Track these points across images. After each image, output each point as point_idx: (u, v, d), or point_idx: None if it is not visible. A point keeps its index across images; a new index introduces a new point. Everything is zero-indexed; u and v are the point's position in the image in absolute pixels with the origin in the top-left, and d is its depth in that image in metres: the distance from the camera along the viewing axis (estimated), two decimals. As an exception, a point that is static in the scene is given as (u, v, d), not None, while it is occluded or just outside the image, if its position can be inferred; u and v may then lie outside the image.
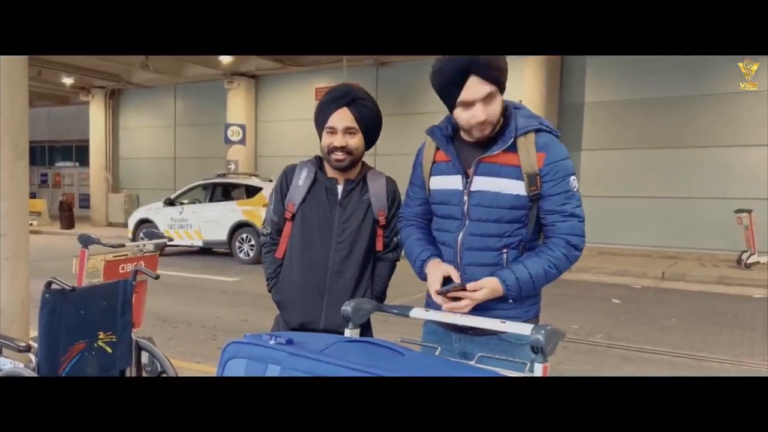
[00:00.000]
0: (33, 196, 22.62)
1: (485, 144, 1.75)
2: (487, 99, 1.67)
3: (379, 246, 2.15)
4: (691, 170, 11.56)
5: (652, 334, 5.95)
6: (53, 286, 2.27)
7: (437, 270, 1.76)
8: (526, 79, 11.72)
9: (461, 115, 1.72)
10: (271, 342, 1.24)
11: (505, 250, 1.75)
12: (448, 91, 1.71)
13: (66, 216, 17.37)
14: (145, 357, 3.19)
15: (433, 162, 1.86)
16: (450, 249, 1.80)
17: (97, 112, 19.13)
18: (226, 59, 15.08)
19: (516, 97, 1.99)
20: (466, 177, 1.76)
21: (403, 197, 2.07)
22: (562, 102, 12.54)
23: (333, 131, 2.04)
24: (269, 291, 2.20)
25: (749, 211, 10.14)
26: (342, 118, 2.04)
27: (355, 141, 2.07)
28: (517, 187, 1.72)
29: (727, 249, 10.92)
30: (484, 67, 1.64)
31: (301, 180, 2.13)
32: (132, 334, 2.72)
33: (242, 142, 15.85)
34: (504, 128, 1.75)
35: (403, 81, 14.35)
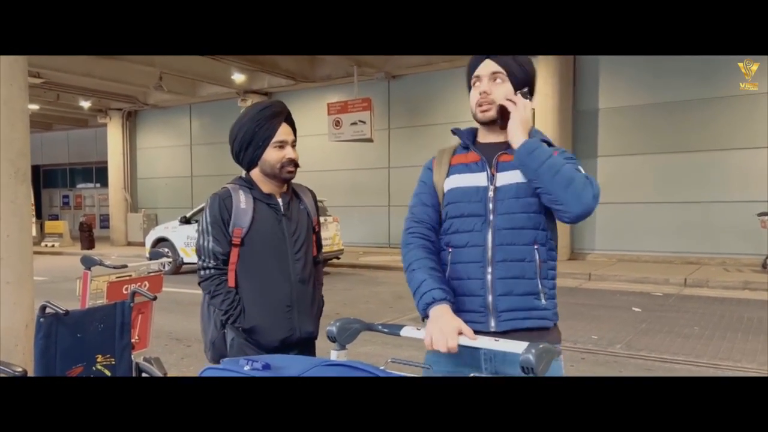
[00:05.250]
0: (55, 217, 23.10)
1: (504, 146, 1.82)
2: (493, 77, 1.81)
3: (314, 251, 2.28)
4: (710, 173, 11.31)
5: (674, 343, 5.78)
6: (47, 311, 2.25)
7: (452, 322, 1.56)
8: (537, 87, 11.56)
9: (472, 95, 1.83)
10: (246, 368, 1.18)
11: (536, 246, 1.73)
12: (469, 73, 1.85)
13: (86, 237, 17.61)
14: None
15: (450, 165, 1.84)
16: (478, 248, 1.71)
17: (114, 134, 19.44)
18: (239, 78, 15.22)
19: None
20: (491, 175, 1.77)
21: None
22: (575, 109, 12.40)
23: (283, 145, 2.16)
24: (232, 323, 2.11)
25: (773, 214, 9.89)
26: (288, 132, 2.19)
27: (296, 153, 2.23)
28: None
29: (751, 253, 10.65)
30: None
31: (243, 203, 2.14)
32: (132, 355, 2.67)
33: (257, 158, 15.93)
34: None
35: (413, 93, 14.34)
